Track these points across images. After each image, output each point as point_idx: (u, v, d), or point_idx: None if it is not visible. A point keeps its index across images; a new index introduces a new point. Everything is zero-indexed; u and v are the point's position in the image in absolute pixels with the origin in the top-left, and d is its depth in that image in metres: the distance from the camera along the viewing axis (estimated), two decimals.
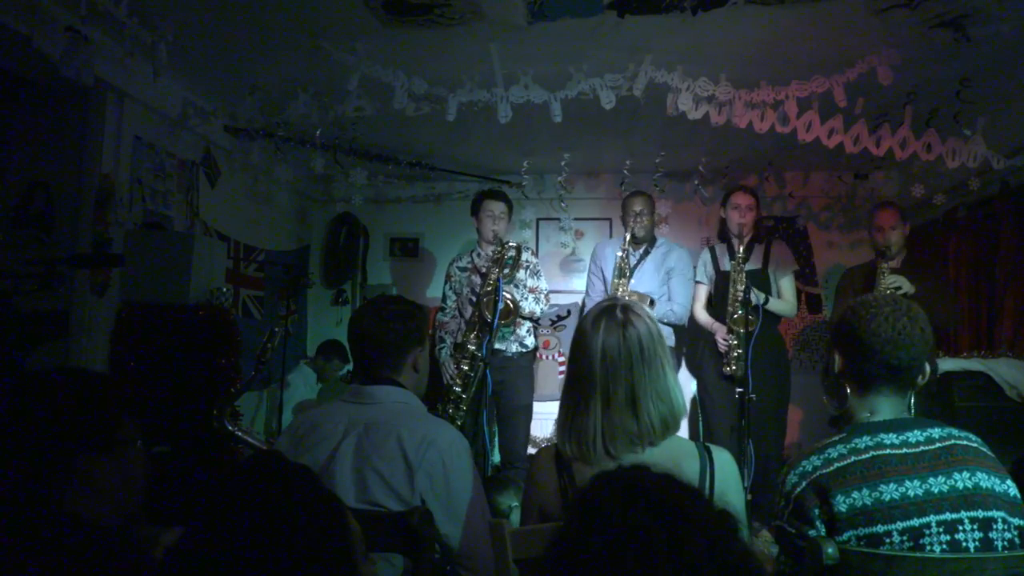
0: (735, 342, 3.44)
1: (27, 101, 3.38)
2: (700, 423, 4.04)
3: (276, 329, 2.21)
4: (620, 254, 3.71)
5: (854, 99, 3.24)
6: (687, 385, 4.27)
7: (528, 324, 3.92)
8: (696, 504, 0.79)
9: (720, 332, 3.59)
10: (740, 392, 2.75)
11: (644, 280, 3.78)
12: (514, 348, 3.83)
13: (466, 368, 3.58)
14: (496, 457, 4.13)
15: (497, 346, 3.74)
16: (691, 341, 4.21)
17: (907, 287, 3.35)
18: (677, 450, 1.45)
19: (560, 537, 0.79)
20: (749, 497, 2.80)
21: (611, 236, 5.12)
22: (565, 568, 0.76)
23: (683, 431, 4.51)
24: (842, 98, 3.21)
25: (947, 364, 3.39)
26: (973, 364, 3.34)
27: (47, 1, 2.76)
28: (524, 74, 3.37)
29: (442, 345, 3.92)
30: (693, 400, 4.25)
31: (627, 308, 1.52)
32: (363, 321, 1.82)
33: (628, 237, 3.74)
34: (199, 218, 4.01)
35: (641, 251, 3.88)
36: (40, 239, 3.32)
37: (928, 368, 1.51)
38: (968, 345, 3.92)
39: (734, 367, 3.42)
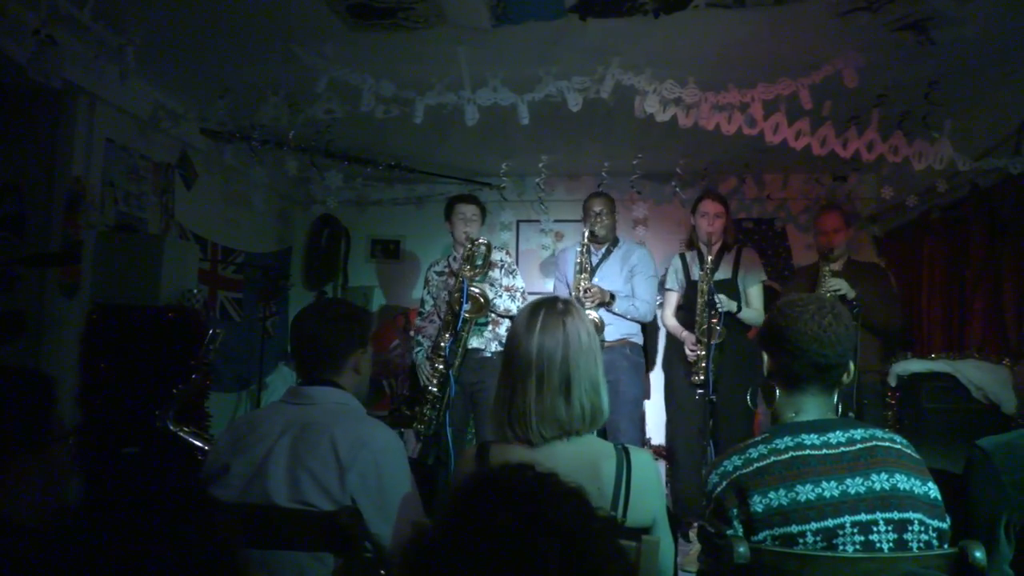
0: (703, 352, 3.46)
1: None
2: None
3: (217, 331, 2.23)
4: (580, 250, 3.73)
5: (821, 102, 3.26)
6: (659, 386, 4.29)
7: (507, 323, 3.92)
8: (561, 507, 0.80)
9: (689, 341, 3.61)
10: (700, 393, 2.77)
11: (607, 279, 3.79)
12: (493, 347, 3.81)
13: (441, 367, 3.59)
14: None
15: (475, 345, 3.74)
16: (666, 346, 4.21)
17: (847, 291, 3.41)
18: (596, 450, 1.46)
19: (421, 531, 0.81)
20: None
21: None
22: (421, 558, 0.77)
23: (659, 434, 4.46)
24: (808, 100, 3.22)
25: (914, 365, 3.40)
26: (940, 366, 3.35)
27: (13, 4, 2.78)
28: (493, 77, 3.38)
29: (419, 348, 3.93)
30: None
31: (568, 302, 1.56)
32: (305, 322, 1.83)
33: (587, 234, 3.75)
34: (175, 220, 4.03)
35: (603, 251, 3.89)
36: (11, 241, 3.34)
37: (852, 367, 1.52)
38: (940, 347, 3.93)
39: (702, 377, 3.44)
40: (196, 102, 3.88)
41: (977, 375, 3.28)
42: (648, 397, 4.91)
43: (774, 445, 1.43)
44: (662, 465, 4.29)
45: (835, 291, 3.37)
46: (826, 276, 3.43)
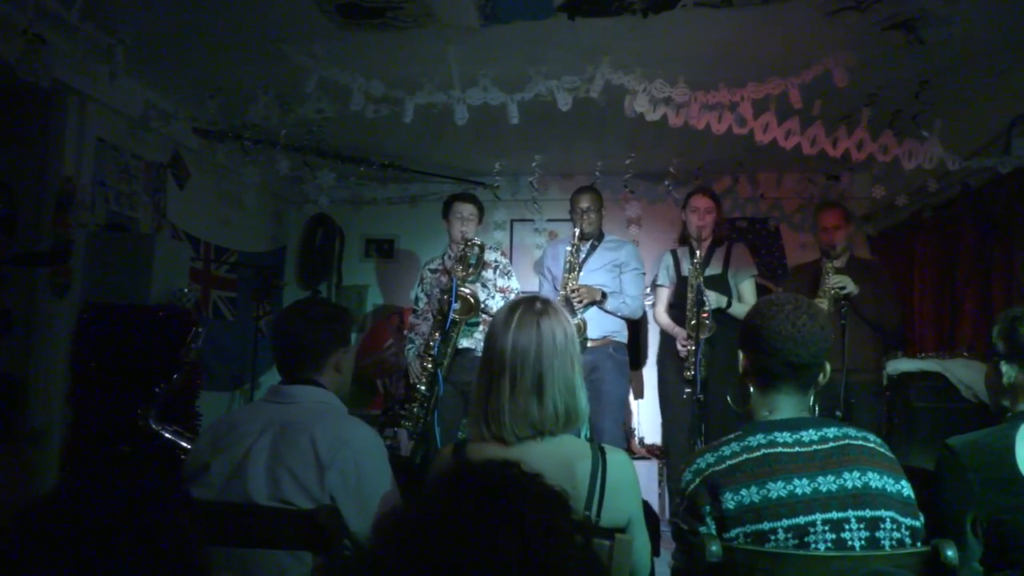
0: (694, 347, 3.45)
1: None
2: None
3: (198, 330, 2.23)
4: (570, 248, 3.72)
5: (811, 101, 3.26)
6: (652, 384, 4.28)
7: None
8: (536, 508, 0.80)
9: (680, 337, 3.60)
10: (688, 392, 2.78)
11: (592, 275, 3.76)
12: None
13: (429, 367, 3.59)
14: None
15: (466, 345, 3.74)
16: (660, 344, 4.22)
17: (851, 287, 3.36)
18: (572, 449, 1.46)
19: (397, 516, 0.81)
20: None
21: None
22: (389, 540, 0.78)
23: (656, 432, 4.44)
24: (797, 100, 3.22)
25: (904, 364, 3.41)
26: (929, 364, 3.35)
27: (1, 4, 2.78)
28: (484, 76, 3.38)
29: (411, 346, 3.94)
30: None
31: (547, 302, 1.55)
32: (286, 322, 1.84)
33: (578, 232, 3.74)
34: (167, 220, 4.03)
35: (588, 246, 3.87)
36: (2, 241, 3.34)
37: (828, 367, 1.52)
38: (932, 346, 3.93)
39: (693, 372, 3.44)
40: (187, 102, 3.89)
41: (967, 374, 3.29)
42: (641, 396, 4.93)
43: (747, 443, 1.43)
44: (654, 465, 4.30)
45: (839, 288, 3.34)
46: (829, 273, 3.40)
